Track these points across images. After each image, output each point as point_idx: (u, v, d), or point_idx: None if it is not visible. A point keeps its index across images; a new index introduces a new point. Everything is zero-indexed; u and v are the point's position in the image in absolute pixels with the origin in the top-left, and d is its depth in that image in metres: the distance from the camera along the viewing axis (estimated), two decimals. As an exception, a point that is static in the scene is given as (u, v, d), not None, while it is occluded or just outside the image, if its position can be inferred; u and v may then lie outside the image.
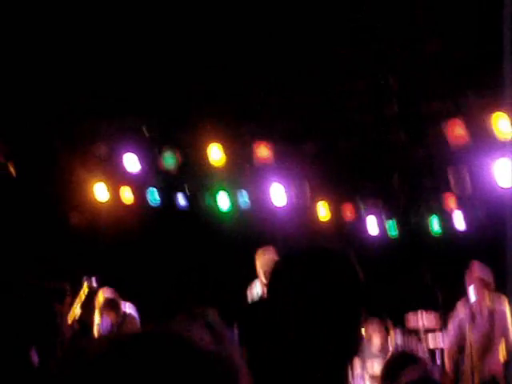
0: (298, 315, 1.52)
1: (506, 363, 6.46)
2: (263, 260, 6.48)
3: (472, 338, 6.64)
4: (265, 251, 6.63)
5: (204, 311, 3.56)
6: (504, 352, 6.67)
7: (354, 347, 1.59)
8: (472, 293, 6.67)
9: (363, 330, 7.81)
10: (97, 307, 7.60)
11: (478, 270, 6.77)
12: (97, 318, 7.69)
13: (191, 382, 0.76)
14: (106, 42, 6.47)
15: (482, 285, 6.66)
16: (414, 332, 8.68)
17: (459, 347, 7.00)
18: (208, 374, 0.78)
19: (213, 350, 0.83)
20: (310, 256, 1.64)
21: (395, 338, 8.22)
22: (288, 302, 1.55)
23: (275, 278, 1.65)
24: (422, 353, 8.08)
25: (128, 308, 7.84)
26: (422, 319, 8.34)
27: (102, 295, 7.58)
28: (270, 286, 1.67)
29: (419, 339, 8.53)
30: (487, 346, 6.57)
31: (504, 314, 6.68)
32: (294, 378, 1.53)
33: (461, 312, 6.95)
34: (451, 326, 7.07)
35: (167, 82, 6.84)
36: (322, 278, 1.56)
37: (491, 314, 6.56)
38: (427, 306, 8.26)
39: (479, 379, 6.34)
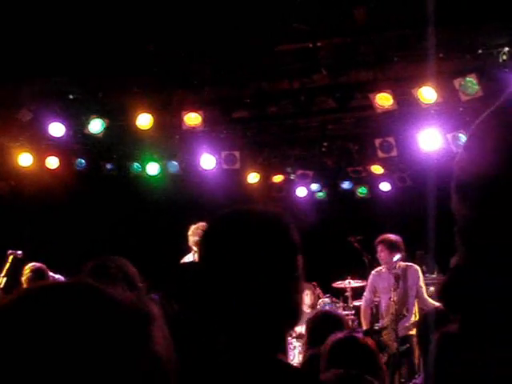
0: (228, 277, 1.50)
1: (420, 321, 6.77)
2: (197, 236, 6.45)
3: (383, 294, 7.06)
4: (198, 228, 6.59)
5: (117, 261, 3.52)
6: (417, 311, 7.00)
7: (289, 307, 1.55)
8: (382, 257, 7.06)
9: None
10: (24, 280, 7.42)
11: (386, 237, 7.09)
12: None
13: (99, 330, 0.76)
14: None
15: (389, 249, 6.99)
16: (342, 294, 8.95)
17: (372, 307, 7.35)
18: (116, 322, 0.78)
19: (123, 298, 0.82)
20: (237, 218, 1.62)
21: (323, 304, 8.43)
22: (218, 264, 1.53)
23: (204, 241, 1.62)
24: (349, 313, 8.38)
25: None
26: (350, 283, 8.59)
27: (29, 267, 7.40)
28: (201, 249, 1.63)
29: (346, 299, 8.80)
30: (401, 304, 6.85)
31: (416, 272, 7.03)
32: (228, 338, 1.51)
33: (374, 271, 7.31)
34: (366, 287, 7.46)
35: (96, 44, 6.61)
36: (250, 238, 1.54)
37: (403, 273, 6.85)
38: (355, 272, 8.51)
39: (395, 336, 6.62)
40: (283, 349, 1.55)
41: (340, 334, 3.33)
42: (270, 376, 1.44)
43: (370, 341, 3.44)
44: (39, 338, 0.73)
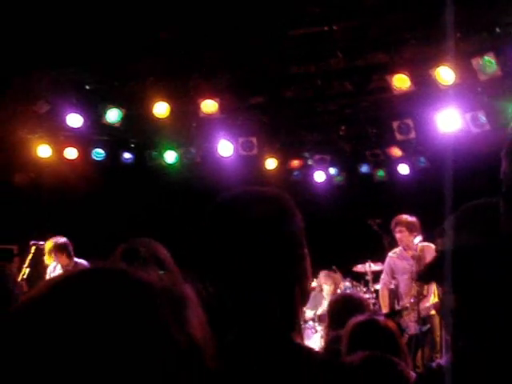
0: (236, 258, 1.49)
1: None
2: None
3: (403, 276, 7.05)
4: None
5: (148, 244, 3.52)
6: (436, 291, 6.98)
7: (298, 284, 1.54)
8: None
9: (314, 280, 7.99)
10: (46, 252, 7.46)
11: (404, 218, 7.07)
12: (48, 266, 7.57)
13: (133, 315, 0.76)
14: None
15: (408, 230, 6.97)
16: (363, 278, 8.94)
17: (390, 289, 7.34)
18: (149, 305, 0.78)
19: (155, 281, 0.82)
20: (238, 199, 1.61)
21: (344, 287, 8.44)
22: (222, 246, 1.52)
23: (207, 224, 1.60)
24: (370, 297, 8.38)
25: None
26: (370, 267, 8.58)
27: (52, 240, 7.47)
28: (203, 230, 1.61)
29: (366, 283, 8.80)
30: (421, 284, 6.84)
31: (433, 251, 6.99)
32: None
33: (392, 253, 7.31)
34: (384, 268, 7.46)
35: (111, 33, 6.62)
36: (251, 219, 1.52)
37: (421, 253, 6.83)
38: (375, 256, 8.49)
39: (417, 317, 6.62)
40: (298, 328, 1.54)
41: (361, 317, 3.32)
42: (285, 358, 1.44)
43: (391, 323, 3.44)
44: (76, 326, 0.74)
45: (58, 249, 7.42)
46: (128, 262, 0.84)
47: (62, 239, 7.48)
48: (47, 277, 7.50)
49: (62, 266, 7.53)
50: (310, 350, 1.57)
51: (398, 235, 7.14)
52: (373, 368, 2.50)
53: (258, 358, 1.43)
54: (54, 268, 7.62)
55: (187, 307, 0.82)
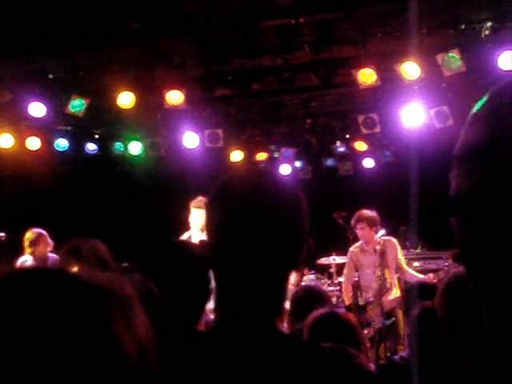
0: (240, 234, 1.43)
1: (404, 294, 6.85)
2: (201, 208, 6.08)
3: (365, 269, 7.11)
4: (200, 201, 6.10)
5: (89, 243, 3.50)
6: (398, 285, 7.07)
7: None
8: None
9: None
10: (25, 243, 7.45)
11: (364, 214, 7.12)
12: (24, 257, 7.56)
13: (65, 314, 0.73)
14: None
15: (369, 226, 7.03)
16: (327, 271, 9.00)
17: (353, 283, 7.40)
18: (84, 305, 0.75)
19: (91, 280, 0.79)
20: (253, 177, 1.53)
21: (309, 280, 8.48)
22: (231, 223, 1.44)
23: (217, 201, 1.50)
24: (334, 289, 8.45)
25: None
26: (334, 260, 8.64)
27: (30, 231, 7.45)
28: (211, 207, 1.50)
29: (330, 276, 8.86)
30: (384, 278, 6.91)
31: (394, 245, 7.08)
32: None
33: (353, 248, 7.38)
34: (347, 262, 7.51)
35: (76, 22, 6.50)
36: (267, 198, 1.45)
37: (382, 248, 6.88)
38: (339, 249, 8.55)
39: (381, 310, 6.69)
40: (282, 317, 1.53)
41: (321, 310, 3.35)
42: (272, 346, 1.42)
43: (351, 316, 3.47)
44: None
45: (38, 240, 7.42)
46: (70, 261, 0.82)
47: (41, 230, 7.47)
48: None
49: (36, 259, 7.49)
50: (296, 338, 1.56)
51: (359, 232, 7.20)
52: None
53: (242, 345, 1.40)
54: (25, 260, 7.56)
55: (133, 309, 0.79)
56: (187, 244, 3.20)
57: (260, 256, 1.42)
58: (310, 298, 4.14)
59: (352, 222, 7.27)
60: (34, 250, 7.51)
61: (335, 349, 2.60)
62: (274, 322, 1.45)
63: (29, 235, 7.49)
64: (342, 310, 3.44)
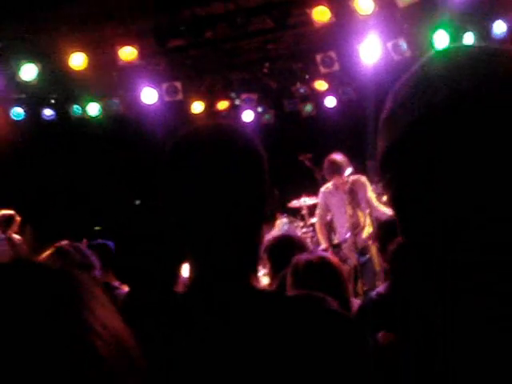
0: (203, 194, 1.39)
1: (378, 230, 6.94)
2: None
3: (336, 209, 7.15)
4: None
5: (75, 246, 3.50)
6: (370, 222, 7.14)
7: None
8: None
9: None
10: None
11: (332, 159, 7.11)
12: None
13: (22, 299, 0.72)
14: None
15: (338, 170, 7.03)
16: (299, 213, 9.06)
17: (326, 223, 7.47)
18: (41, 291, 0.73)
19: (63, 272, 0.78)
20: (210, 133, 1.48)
21: (282, 224, 8.53)
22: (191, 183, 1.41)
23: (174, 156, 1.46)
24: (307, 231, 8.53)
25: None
26: (305, 202, 8.68)
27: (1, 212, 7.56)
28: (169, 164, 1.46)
29: (303, 218, 8.92)
30: (356, 216, 6.98)
31: (363, 183, 7.13)
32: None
33: (323, 188, 7.39)
34: (317, 205, 7.55)
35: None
36: (227, 153, 1.42)
37: (351, 187, 6.93)
38: (309, 190, 8.58)
39: (355, 248, 6.78)
40: (256, 272, 1.51)
41: (307, 255, 3.35)
42: (248, 303, 1.41)
43: (336, 260, 3.47)
44: None
45: (10, 221, 7.48)
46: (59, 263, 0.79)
47: (12, 212, 7.57)
48: None
49: (6, 239, 7.54)
50: (273, 293, 1.54)
51: (327, 176, 7.20)
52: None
53: (218, 304, 1.38)
54: None
55: (83, 292, 0.77)
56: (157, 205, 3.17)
57: (225, 214, 1.39)
58: (288, 246, 4.13)
59: (324, 169, 7.24)
60: (6, 230, 7.55)
61: (314, 298, 2.61)
62: (248, 279, 1.44)
63: (3, 214, 7.60)
64: (323, 253, 3.44)
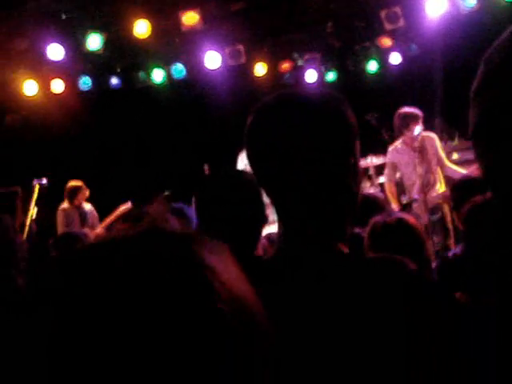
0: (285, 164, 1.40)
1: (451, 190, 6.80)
2: None
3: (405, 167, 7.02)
4: None
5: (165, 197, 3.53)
6: (442, 180, 6.99)
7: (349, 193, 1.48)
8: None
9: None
10: (66, 194, 8.11)
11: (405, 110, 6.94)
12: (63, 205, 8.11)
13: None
14: None
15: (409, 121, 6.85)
16: (366, 173, 8.97)
17: (396, 182, 7.34)
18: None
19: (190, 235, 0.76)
20: (287, 103, 1.47)
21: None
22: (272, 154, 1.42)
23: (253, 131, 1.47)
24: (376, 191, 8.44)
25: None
26: (372, 161, 8.59)
27: (71, 183, 8.13)
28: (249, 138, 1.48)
29: (370, 177, 8.84)
30: (426, 175, 6.84)
31: (433, 141, 6.96)
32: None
33: (392, 147, 7.23)
34: (386, 163, 7.42)
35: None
36: (305, 122, 1.42)
37: (421, 145, 6.76)
38: (376, 150, 8.47)
39: (425, 207, 6.68)
40: (345, 239, 1.51)
41: (381, 217, 3.27)
42: (338, 270, 1.41)
43: (410, 218, 3.38)
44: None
45: (77, 191, 8.09)
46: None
47: (80, 183, 8.21)
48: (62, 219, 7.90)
49: (74, 208, 8.07)
50: (358, 257, 1.55)
51: (398, 128, 7.06)
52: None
53: (306, 270, 1.40)
54: (65, 208, 8.02)
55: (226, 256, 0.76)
56: (238, 172, 3.18)
57: (312, 178, 1.40)
58: (364, 204, 4.09)
59: (396, 126, 7.09)
60: (73, 201, 7.93)
61: (395, 260, 2.59)
62: (335, 243, 1.45)
63: (70, 186, 8.07)
64: (406, 216, 3.36)
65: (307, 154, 1.40)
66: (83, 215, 8.14)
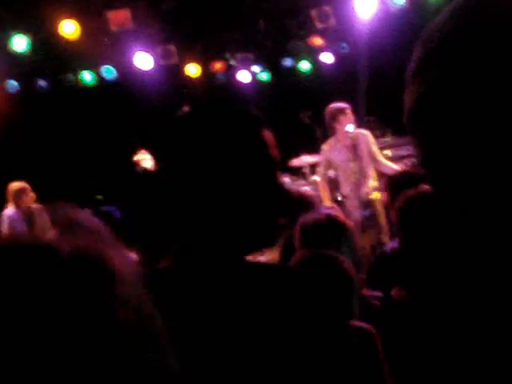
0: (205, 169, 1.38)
1: (386, 184, 6.89)
2: None
3: (341, 164, 7.11)
4: None
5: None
6: (375, 176, 7.09)
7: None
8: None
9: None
10: (9, 196, 7.61)
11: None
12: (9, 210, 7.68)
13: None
14: None
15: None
16: (300, 172, 9.03)
17: (330, 179, 7.41)
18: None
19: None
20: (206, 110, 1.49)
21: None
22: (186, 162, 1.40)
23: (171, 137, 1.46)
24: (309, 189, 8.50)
25: None
26: (307, 160, 8.65)
27: (12, 184, 7.60)
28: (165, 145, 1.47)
29: (305, 176, 8.90)
30: (360, 171, 6.93)
31: (365, 137, 7.04)
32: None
33: (325, 145, 7.30)
34: (320, 161, 7.47)
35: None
36: (225, 130, 1.42)
37: (354, 142, 6.84)
38: (309, 148, 8.53)
39: (358, 203, 6.78)
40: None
41: (310, 215, 3.30)
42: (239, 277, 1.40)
43: (338, 214, 3.42)
44: None
45: (21, 193, 7.63)
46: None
47: (23, 183, 7.72)
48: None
49: (21, 210, 7.68)
50: (267, 267, 1.54)
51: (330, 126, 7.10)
52: (316, 266, 2.49)
53: (209, 279, 1.37)
54: (10, 212, 7.71)
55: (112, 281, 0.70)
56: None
57: (220, 183, 1.38)
58: (296, 203, 4.11)
59: (327, 118, 7.11)
60: (18, 203, 7.61)
61: (320, 254, 2.58)
62: (241, 250, 1.43)
63: (12, 188, 7.61)
64: (334, 212, 3.38)
65: (216, 158, 1.38)
66: (31, 219, 7.82)
